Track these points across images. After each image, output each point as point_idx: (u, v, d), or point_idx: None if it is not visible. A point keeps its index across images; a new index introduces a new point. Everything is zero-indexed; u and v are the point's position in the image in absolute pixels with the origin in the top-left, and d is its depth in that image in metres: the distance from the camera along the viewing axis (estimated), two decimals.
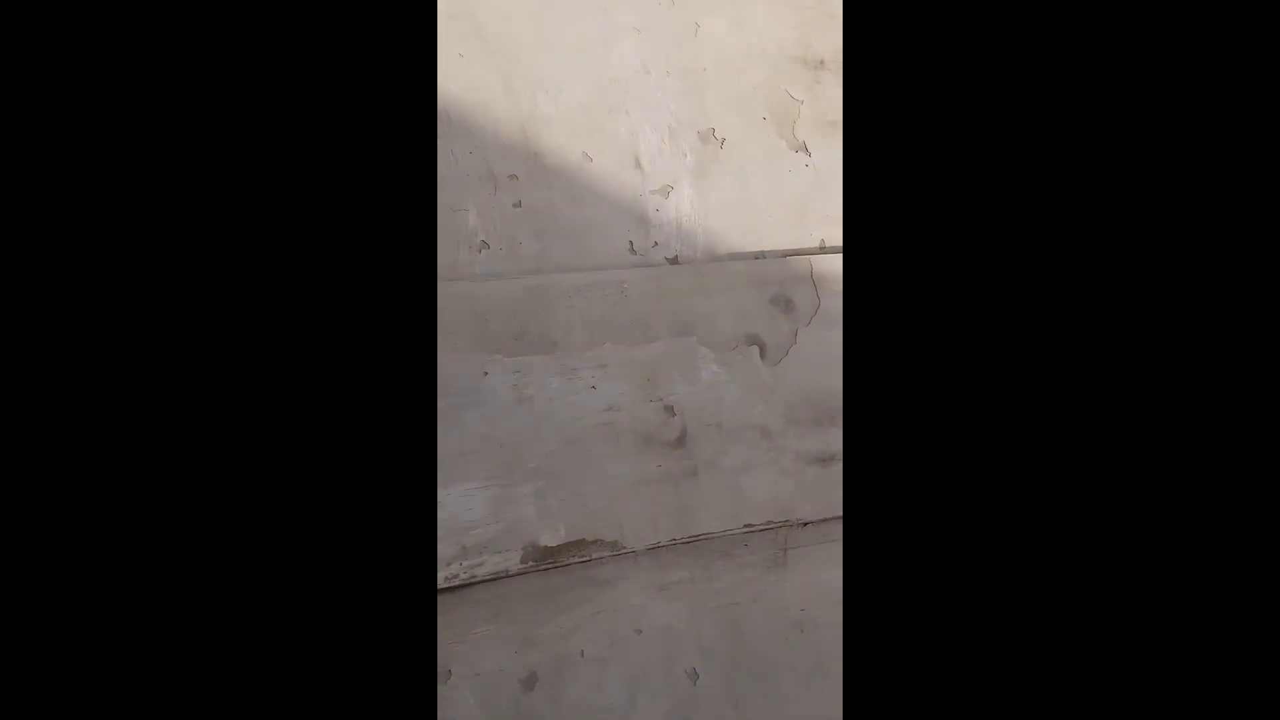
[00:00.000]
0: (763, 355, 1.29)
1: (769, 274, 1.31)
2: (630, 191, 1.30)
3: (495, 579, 1.15)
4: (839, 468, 1.28)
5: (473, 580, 1.14)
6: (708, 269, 1.30)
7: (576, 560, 1.17)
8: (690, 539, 1.21)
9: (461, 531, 1.15)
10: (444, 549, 1.14)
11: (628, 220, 1.30)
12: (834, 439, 1.29)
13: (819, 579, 1.25)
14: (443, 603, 1.14)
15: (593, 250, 1.30)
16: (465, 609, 1.15)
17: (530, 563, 1.15)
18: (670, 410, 1.25)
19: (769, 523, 1.24)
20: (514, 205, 1.27)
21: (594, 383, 1.23)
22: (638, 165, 1.31)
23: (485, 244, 1.27)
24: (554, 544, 1.17)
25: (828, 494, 1.26)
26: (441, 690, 1.13)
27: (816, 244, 1.36)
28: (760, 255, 1.34)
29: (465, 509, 1.15)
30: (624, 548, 1.18)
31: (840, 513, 1.27)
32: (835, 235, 1.39)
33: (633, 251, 1.30)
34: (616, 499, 1.19)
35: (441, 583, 1.13)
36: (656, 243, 1.32)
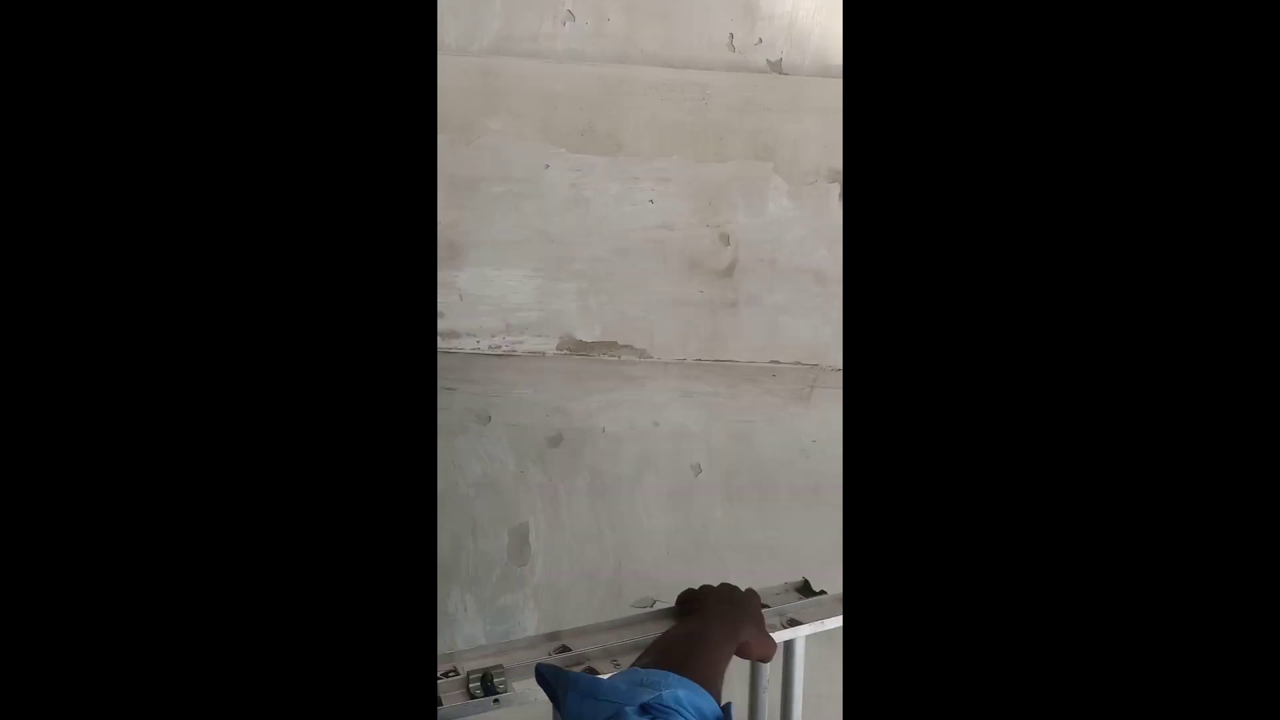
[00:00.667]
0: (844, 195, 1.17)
1: None
2: None
3: (533, 356, 1.26)
4: None
5: (513, 354, 1.26)
6: (810, 86, 1.13)
7: (606, 357, 1.26)
8: (715, 362, 1.25)
9: (508, 311, 1.24)
10: (490, 321, 1.25)
11: (733, 5, 1.12)
12: None
13: (838, 419, 1.28)
14: (487, 364, 1.29)
15: (684, 39, 1.15)
16: (507, 374, 1.29)
17: (565, 350, 1.25)
18: (725, 239, 1.20)
19: (798, 362, 1.25)
20: None
21: (653, 196, 1.19)
22: None
23: (571, 14, 1.14)
24: (588, 340, 1.25)
25: None
26: (481, 431, 1.32)
27: None
28: None
29: (513, 291, 1.23)
30: (650, 356, 1.25)
31: None
32: None
33: (731, 48, 1.14)
34: (652, 313, 1.23)
35: (486, 349, 1.27)
36: (761, 39, 1.14)
